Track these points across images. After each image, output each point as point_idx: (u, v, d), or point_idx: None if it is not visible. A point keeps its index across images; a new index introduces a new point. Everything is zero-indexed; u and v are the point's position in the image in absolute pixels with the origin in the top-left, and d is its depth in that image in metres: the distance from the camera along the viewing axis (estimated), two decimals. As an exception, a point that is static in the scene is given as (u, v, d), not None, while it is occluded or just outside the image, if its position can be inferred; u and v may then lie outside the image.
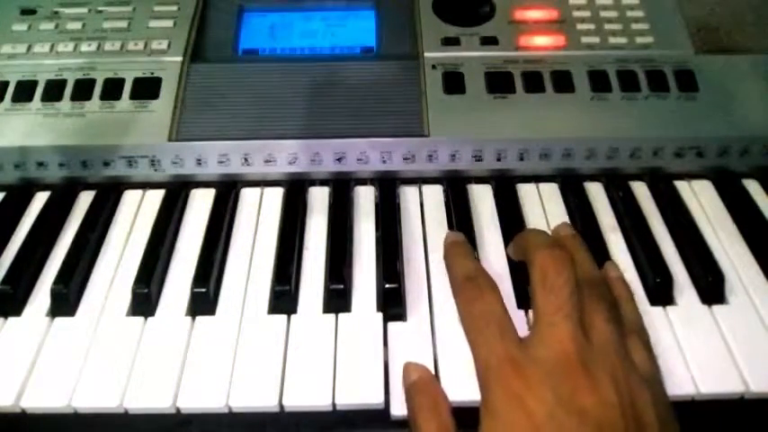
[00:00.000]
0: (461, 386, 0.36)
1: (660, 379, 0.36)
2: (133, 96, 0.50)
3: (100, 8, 0.55)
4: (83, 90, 0.50)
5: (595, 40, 0.53)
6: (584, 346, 0.33)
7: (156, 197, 0.49)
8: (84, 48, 0.52)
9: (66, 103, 0.49)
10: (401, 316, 0.41)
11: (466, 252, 0.42)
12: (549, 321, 0.34)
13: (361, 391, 0.36)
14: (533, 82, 0.50)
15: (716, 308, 0.41)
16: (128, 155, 0.48)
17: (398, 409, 0.36)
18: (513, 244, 0.43)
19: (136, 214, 0.48)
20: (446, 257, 0.43)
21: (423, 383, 0.36)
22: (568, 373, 0.32)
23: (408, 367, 0.37)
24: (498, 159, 0.49)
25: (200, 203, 0.49)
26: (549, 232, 0.45)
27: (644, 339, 0.38)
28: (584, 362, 0.32)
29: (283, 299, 0.41)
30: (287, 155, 0.48)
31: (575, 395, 0.31)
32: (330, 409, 0.36)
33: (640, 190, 0.49)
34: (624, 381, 0.32)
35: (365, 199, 0.49)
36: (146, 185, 0.50)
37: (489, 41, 0.53)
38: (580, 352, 0.33)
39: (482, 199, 0.49)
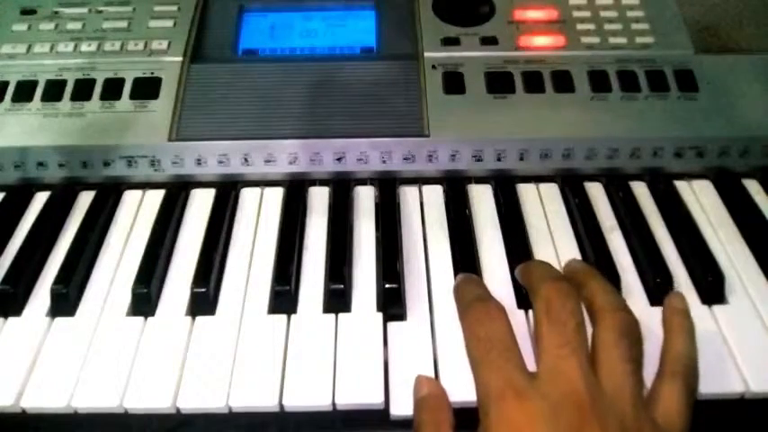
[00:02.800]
0: (461, 386, 0.36)
1: None
2: (133, 96, 0.50)
3: (100, 8, 0.55)
4: (83, 90, 0.50)
5: (595, 40, 0.53)
6: (594, 386, 0.31)
7: (156, 197, 0.49)
8: (84, 48, 0.52)
9: (66, 103, 0.49)
10: (401, 316, 0.41)
11: (478, 281, 0.41)
12: (556, 354, 0.32)
13: (361, 391, 0.36)
14: (533, 82, 0.50)
15: (716, 308, 0.41)
16: (128, 155, 0.48)
17: (399, 409, 0.36)
18: (519, 272, 0.41)
19: (136, 214, 0.48)
20: (457, 287, 0.41)
21: (431, 399, 0.35)
22: (574, 414, 0.30)
23: (420, 380, 0.36)
24: (498, 159, 0.49)
25: (200, 203, 0.49)
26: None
27: (688, 384, 0.34)
28: (593, 405, 0.30)
29: (283, 299, 0.41)
30: (287, 155, 0.48)
31: None
32: (330, 409, 0.36)
33: (640, 190, 0.49)
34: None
35: (365, 199, 0.49)
36: (146, 185, 0.50)
37: (489, 41, 0.53)
38: (589, 393, 0.31)
39: (482, 199, 0.49)
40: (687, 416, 0.33)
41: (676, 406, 0.33)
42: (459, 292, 0.40)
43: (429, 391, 0.36)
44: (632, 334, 0.34)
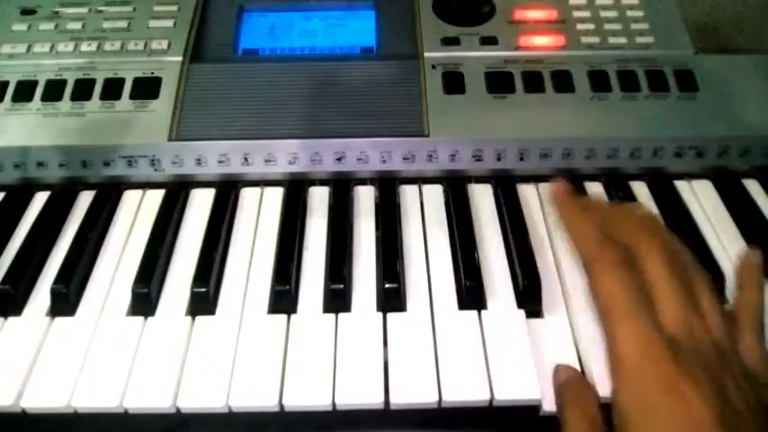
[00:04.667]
0: (462, 386, 0.36)
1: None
2: (133, 96, 0.50)
3: (100, 8, 0.55)
4: (83, 90, 0.50)
5: (595, 40, 0.53)
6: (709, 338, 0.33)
7: (156, 197, 0.49)
8: (84, 48, 0.52)
9: (66, 103, 0.49)
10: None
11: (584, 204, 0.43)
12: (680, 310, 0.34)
13: (360, 391, 0.36)
14: (533, 82, 0.50)
15: (716, 308, 0.41)
16: (128, 155, 0.48)
17: (399, 398, 0.36)
18: (601, 217, 0.42)
19: (136, 214, 0.48)
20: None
21: (571, 380, 0.37)
22: (719, 365, 0.32)
23: (558, 368, 0.38)
24: (498, 159, 0.49)
25: (200, 203, 0.49)
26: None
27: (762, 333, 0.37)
28: (722, 361, 0.32)
29: (283, 298, 0.41)
30: (287, 155, 0.48)
31: (726, 387, 0.31)
32: (330, 408, 0.36)
33: (640, 190, 0.50)
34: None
35: (365, 199, 0.49)
36: (146, 185, 0.50)
37: (489, 41, 0.53)
38: (719, 351, 0.33)
39: (482, 199, 0.49)
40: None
41: (759, 353, 0.35)
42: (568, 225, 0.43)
43: (568, 375, 0.37)
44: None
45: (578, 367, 0.38)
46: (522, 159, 0.49)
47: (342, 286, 0.41)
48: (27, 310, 0.42)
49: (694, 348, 0.33)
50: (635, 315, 0.34)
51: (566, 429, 0.34)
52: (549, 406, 0.36)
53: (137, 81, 0.50)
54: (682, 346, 0.33)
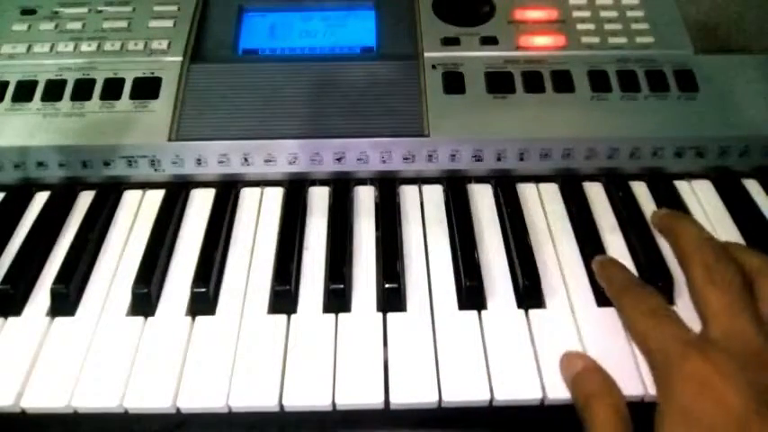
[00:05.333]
0: (462, 386, 0.36)
1: None
2: (133, 96, 0.50)
3: (100, 8, 0.55)
4: (83, 90, 0.50)
5: (595, 40, 0.53)
6: None
7: (156, 197, 0.49)
8: (84, 48, 0.52)
9: (66, 103, 0.49)
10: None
11: (621, 265, 0.42)
12: (728, 315, 0.33)
13: (360, 391, 0.36)
14: (533, 82, 0.50)
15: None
16: (128, 155, 0.48)
17: (398, 398, 0.36)
18: (660, 221, 0.43)
19: (136, 214, 0.48)
20: (603, 269, 0.42)
21: (591, 370, 0.36)
22: (759, 370, 0.31)
23: (570, 357, 0.37)
24: (498, 159, 0.49)
25: (200, 203, 0.49)
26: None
27: None
28: None
29: (283, 298, 0.41)
30: (287, 155, 0.48)
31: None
32: (330, 409, 0.36)
33: (640, 190, 0.49)
34: None
35: (365, 199, 0.49)
36: (146, 185, 0.50)
37: (489, 41, 0.53)
38: None
39: (482, 199, 0.49)
40: None
41: None
42: (608, 276, 0.41)
43: (586, 364, 0.36)
44: None
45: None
46: (522, 159, 0.49)
47: (342, 286, 0.41)
48: (27, 310, 0.42)
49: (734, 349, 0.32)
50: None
51: (593, 425, 0.32)
52: (555, 393, 0.36)
53: (137, 81, 0.50)
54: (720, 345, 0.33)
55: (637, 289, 0.39)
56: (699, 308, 0.36)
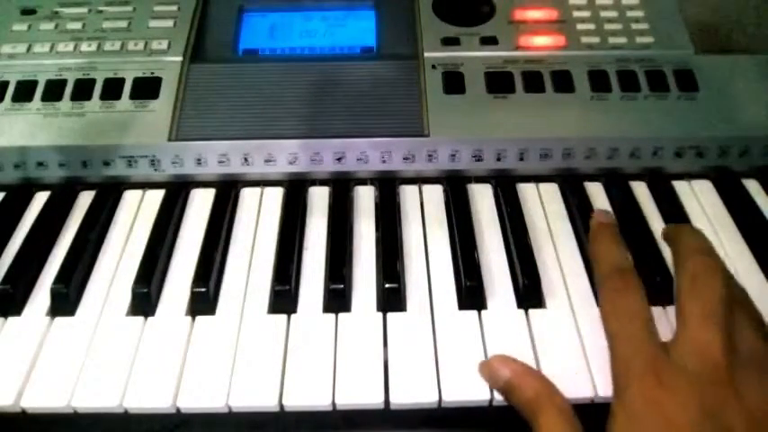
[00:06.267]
0: (462, 386, 0.36)
1: None
2: (133, 96, 0.50)
3: (100, 8, 0.55)
4: (83, 90, 0.50)
5: (595, 40, 0.53)
6: (735, 360, 0.32)
7: (156, 197, 0.49)
8: (84, 48, 0.52)
9: (66, 103, 0.49)
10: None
11: (616, 239, 0.41)
12: (697, 326, 0.33)
13: (360, 391, 0.36)
14: (533, 82, 0.50)
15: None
16: (128, 155, 0.48)
17: (398, 398, 0.36)
18: (669, 233, 0.43)
19: (136, 214, 0.48)
20: (594, 241, 0.42)
21: (521, 375, 0.35)
22: (717, 386, 0.31)
23: (492, 365, 0.36)
24: (498, 159, 0.49)
25: (200, 203, 0.49)
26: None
27: None
28: (735, 377, 0.31)
29: (283, 298, 0.41)
30: (287, 155, 0.48)
31: (723, 411, 0.30)
32: (330, 409, 0.36)
33: (640, 190, 0.49)
34: None
35: (365, 199, 0.49)
36: (146, 185, 0.50)
37: (489, 41, 0.53)
38: (731, 366, 0.31)
39: (482, 199, 0.49)
40: None
41: None
42: (598, 251, 0.41)
43: (513, 370, 0.35)
44: (759, 317, 0.36)
45: (583, 363, 0.38)
46: (522, 159, 0.49)
47: (342, 286, 0.41)
48: (27, 309, 0.42)
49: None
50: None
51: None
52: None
53: (137, 81, 0.50)
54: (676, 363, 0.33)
55: (620, 281, 0.38)
56: (676, 316, 0.36)
